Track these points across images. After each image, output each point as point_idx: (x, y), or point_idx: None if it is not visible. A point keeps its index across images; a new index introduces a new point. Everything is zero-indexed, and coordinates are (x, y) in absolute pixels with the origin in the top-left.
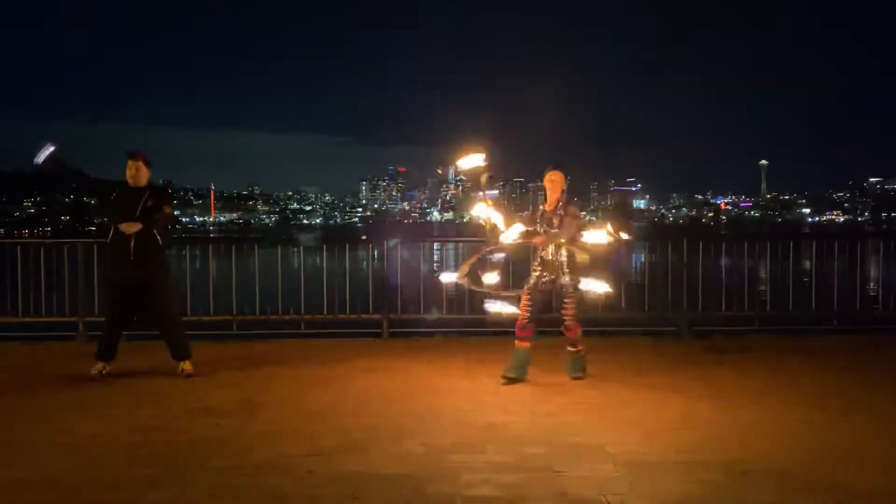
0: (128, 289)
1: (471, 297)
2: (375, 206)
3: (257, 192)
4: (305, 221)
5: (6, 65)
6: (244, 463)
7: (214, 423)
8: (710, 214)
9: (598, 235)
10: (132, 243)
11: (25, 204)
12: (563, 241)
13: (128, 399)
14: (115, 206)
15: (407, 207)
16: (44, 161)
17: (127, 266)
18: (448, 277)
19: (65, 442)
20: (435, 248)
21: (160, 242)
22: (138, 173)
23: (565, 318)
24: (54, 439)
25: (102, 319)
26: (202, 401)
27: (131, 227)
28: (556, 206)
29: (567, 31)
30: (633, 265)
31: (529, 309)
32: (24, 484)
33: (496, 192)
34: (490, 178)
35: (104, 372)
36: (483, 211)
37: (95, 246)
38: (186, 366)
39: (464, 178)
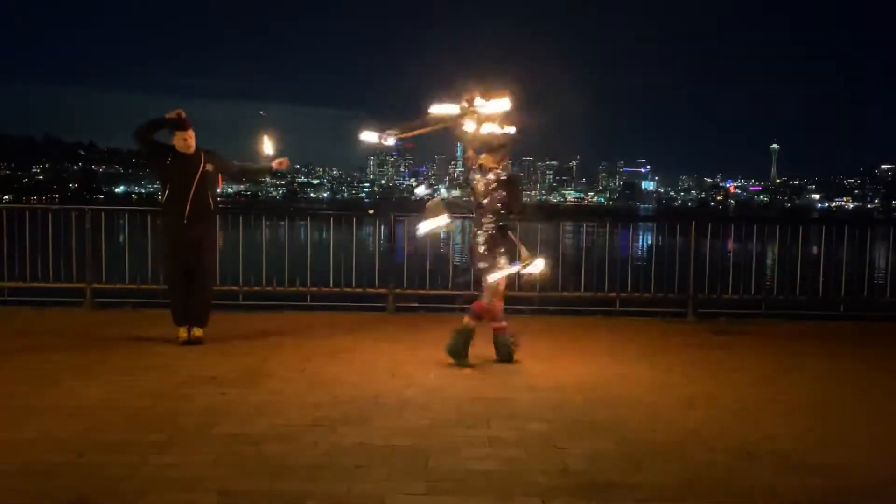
0: (182, 250)
1: (477, 275)
2: (383, 181)
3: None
4: (313, 195)
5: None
6: (248, 431)
7: (220, 391)
8: (719, 198)
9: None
10: (188, 206)
11: (34, 170)
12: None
13: (134, 365)
14: (173, 171)
15: (415, 183)
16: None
17: (181, 228)
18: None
19: (71, 406)
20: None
21: (212, 207)
22: (190, 141)
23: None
24: (61, 403)
25: (165, 286)
26: (208, 369)
27: (284, 163)
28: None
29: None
30: (641, 247)
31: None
32: (30, 445)
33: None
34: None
35: (186, 333)
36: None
37: (103, 213)
38: (198, 332)
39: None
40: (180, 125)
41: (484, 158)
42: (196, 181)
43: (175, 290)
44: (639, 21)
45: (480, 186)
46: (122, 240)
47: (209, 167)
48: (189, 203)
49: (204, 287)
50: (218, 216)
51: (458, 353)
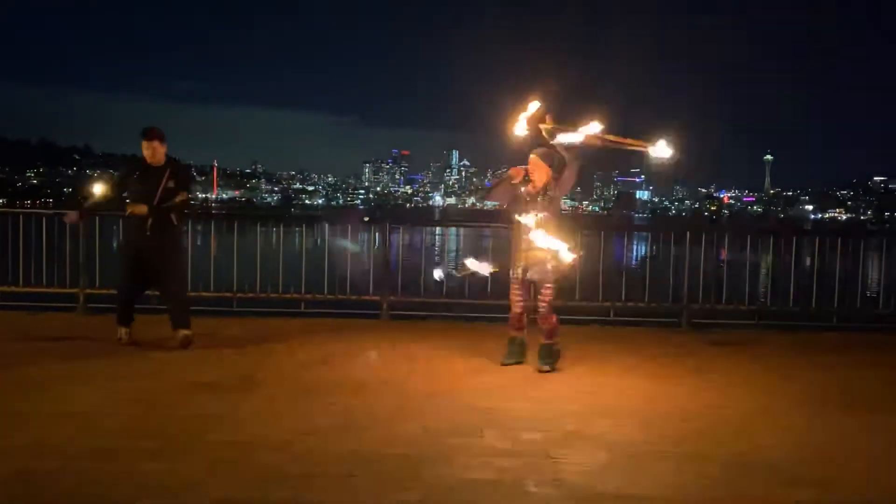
0: (141, 258)
1: (470, 283)
2: (378, 188)
3: (260, 170)
4: (308, 202)
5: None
6: (241, 439)
7: (213, 398)
8: (713, 208)
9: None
10: (148, 221)
11: (28, 174)
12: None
13: (127, 371)
14: (137, 184)
15: (410, 191)
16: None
17: (142, 239)
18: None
19: (63, 411)
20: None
21: (175, 222)
22: (155, 153)
23: (542, 306)
24: (52, 408)
25: (116, 289)
26: (201, 376)
27: (140, 209)
28: (541, 188)
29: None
30: (635, 256)
31: (522, 300)
32: (22, 451)
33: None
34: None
35: (127, 335)
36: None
37: (97, 218)
38: (185, 332)
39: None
40: (145, 134)
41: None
42: (158, 194)
43: (121, 292)
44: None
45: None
46: (115, 245)
47: (171, 184)
48: (149, 219)
49: (176, 293)
50: (181, 227)
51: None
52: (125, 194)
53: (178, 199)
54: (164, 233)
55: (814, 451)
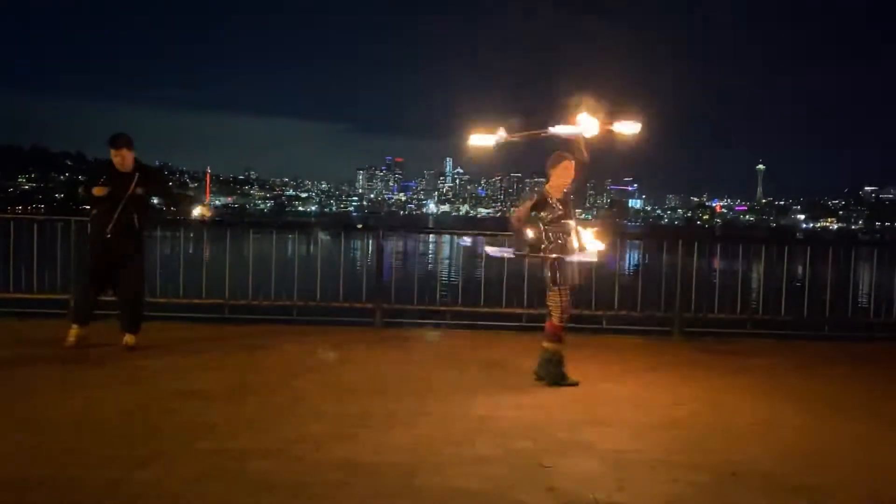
0: (103, 261)
1: (463, 290)
2: (372, 195)
3: (253, 176)
4: (301, 208)
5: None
6: (232, 447)
7: (203, 406)
8: (706, 217)
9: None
10: (112, 223)
11: (20, 180)
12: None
13: (117, 379)
14: (105, 186)
15: (404, 198)
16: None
17: (105, 242)
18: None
19: (52, 419)
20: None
21: (137, 227)
22: (124, 160)
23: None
24: (41, 416)
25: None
26: (191, 383)
27: (100, 191)
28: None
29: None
30: (628, 265)
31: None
32: (10, 459)
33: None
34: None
35: (76, 337)
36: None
37: (89, 224)
38: (131, 339)
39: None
40: (113, 143)
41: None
42: (124, 201)
43: (81, 292)
44: (626, 37)
45: (568, 206)
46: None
47: (139, 190)
48: (114, 221)
49: (131, 297)
50: (144, 235)
51: (561, 377)
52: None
53: (146, 203)
54: (127, 236)
55: (806, 459)
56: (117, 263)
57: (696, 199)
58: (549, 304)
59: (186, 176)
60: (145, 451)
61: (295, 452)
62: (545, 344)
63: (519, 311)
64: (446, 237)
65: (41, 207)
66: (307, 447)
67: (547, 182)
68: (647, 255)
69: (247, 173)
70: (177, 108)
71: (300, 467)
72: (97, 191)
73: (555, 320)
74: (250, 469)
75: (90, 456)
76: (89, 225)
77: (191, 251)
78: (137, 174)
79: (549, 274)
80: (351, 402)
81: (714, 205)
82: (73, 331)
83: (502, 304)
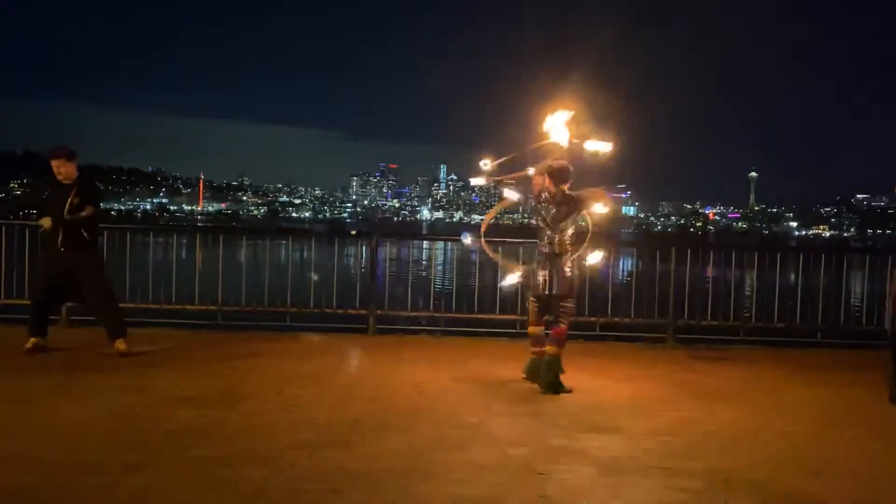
0: (54, 272)
1: (457, 296)
2: (365, 202)
3: (247, 182)
4: (295, 215)
5: None
6: (225, 454)
7: (196, 412)
8: (699, 224)
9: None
10: (60, 234)
11: (12, 185)
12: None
13: (110, 385)
14: (48, 199)
15: (398, 205)
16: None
17: (56, 254)
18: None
19: (44, 425)
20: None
21: (86, 236)
22: (65, 170)
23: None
24: (34, 422)
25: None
26: (184, 390)
27: (45, 222)
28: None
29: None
30: (621, 272)
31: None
32: (3, 465)
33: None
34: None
35: (38, 345)
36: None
37: (39, 238)
38: (121, 345)
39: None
40: (51, 154)
41: (550, 183)
42: (65, 211)
43: (33, 304)
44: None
45: (561, 211)
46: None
47: (76, 200)
48: (61, 231)
49: (99, 306)
50: (97, 238)
51: (558, 386)
52: (34, 211)
53: (84, 213)
54: (77, 248)
55: (799, 466)
56: (71, 276)
57: (689, 206)
58: (563, 309)
59: (179, 182)
60: (137, 457)
61: (288, 459)
62: (551, 348)
63: (513, 317)
64: (440, 244)
65: (33, 213)
66: (300, 454)
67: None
68: (640, 263)
69: (240, 179)
70: (170, 113)
71: (293, 474)
72: (41, 222)
73: (566, 325)
74: (243, 476)
75: (81, 463)
76: (39, 239)
77: (184, 256)
78: (76, 185)
79: (565, 281)
80: (344, 408)
81: (707, 212)
82: (31, 341)
83: (496, 310)
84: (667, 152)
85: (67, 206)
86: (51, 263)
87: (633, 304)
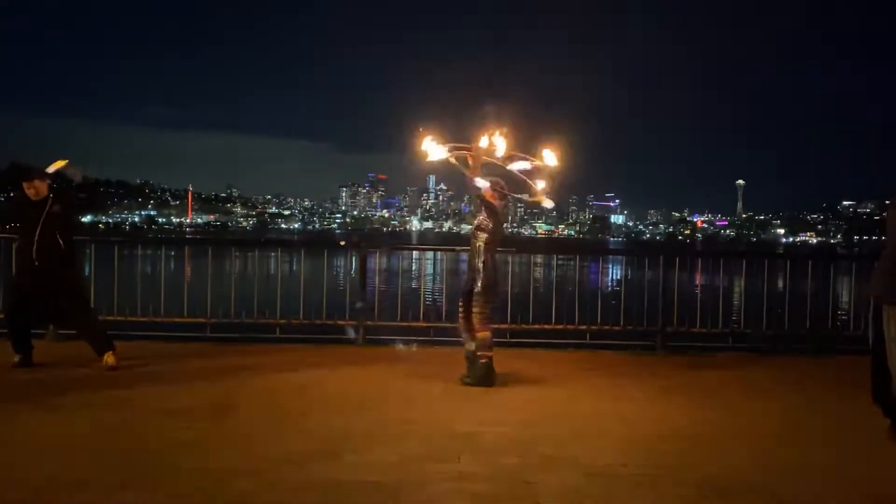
0: (28, 287)
1: (448, 308)
2: (355, 212)
3: (236, 194)
4: (284, 226)
5: None
6: (213, 466)
7: (185, 425)
8: (687, 231)
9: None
10: (34, 249)
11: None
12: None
13: (97, 399)
14: (21, 217)
15: (387, 215)
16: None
17: (31, 269)
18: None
19: (31, 441)
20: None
21: (62, 247)
22: (38, 191)
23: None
24: (20, 438)
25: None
26: (173, 403)
27: (56, 165)
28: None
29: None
30: (610, 280)
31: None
32: None
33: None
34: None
35: (24, 360)
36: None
37: (14, 254)
38: (110, 359)
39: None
40: (25, 176)
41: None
42: (41, 224)
43: (9, 320)
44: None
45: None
46: (86, 272)
47: (56, 208)
48: (35, 245)
49: (81, 321)
50: (73, 252)
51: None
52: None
53: (61, 165)
54: (53, 262)
55: (788, 472)
56: (51, 290)
57: (677, 214)
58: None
59: (168, 194)
60: (127, 471)
61: (277, 472)
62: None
63: (503, 327)
64: (430, 254)
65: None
66: (290, 466)
67: None
68: (629, 271)
69: (229, 191)
70: (159, 125)
71: (282, 487)
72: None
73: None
74: (232, 489)
75: (68, 479)
76: (14, 255)
77: (172, 268)
78: (51, 197)
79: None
80: (334, 420)
81: (695, 220)
82: (17, 356)
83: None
84: (654, 161)
85: (44, 214)
86: (24, 280)
87: (622, 312)
